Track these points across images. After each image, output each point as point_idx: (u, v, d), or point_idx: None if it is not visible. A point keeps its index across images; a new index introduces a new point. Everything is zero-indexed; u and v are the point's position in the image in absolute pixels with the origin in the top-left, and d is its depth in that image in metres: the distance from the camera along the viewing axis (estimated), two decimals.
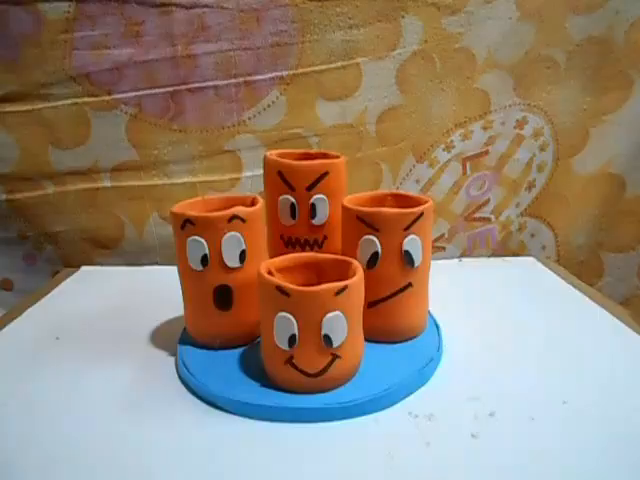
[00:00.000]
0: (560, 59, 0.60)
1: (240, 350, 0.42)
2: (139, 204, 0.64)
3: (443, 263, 0.62)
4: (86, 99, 0.59)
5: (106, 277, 0.62)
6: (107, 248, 0.66)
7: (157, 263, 0.65)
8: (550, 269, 0.61)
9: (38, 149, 0.61)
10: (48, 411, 0.37)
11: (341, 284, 0.33)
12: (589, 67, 0.60)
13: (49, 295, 0.56)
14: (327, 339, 0.34)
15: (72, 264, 0.66)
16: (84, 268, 0.65)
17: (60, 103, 0.59)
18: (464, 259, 0.65)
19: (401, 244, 0.39)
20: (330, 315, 0.33)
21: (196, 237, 0.38)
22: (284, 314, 0.34)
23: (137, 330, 0.47)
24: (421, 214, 0.39)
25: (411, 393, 0.37)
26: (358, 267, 0.36)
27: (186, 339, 0.43)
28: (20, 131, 0.60)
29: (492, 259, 0.65)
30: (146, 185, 0.63)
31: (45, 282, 0.63)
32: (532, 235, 0.68)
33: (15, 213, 0.63)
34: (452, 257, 0.67)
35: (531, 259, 0.64)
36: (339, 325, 0.34)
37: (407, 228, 0.39)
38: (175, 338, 0.44)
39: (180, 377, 0.40)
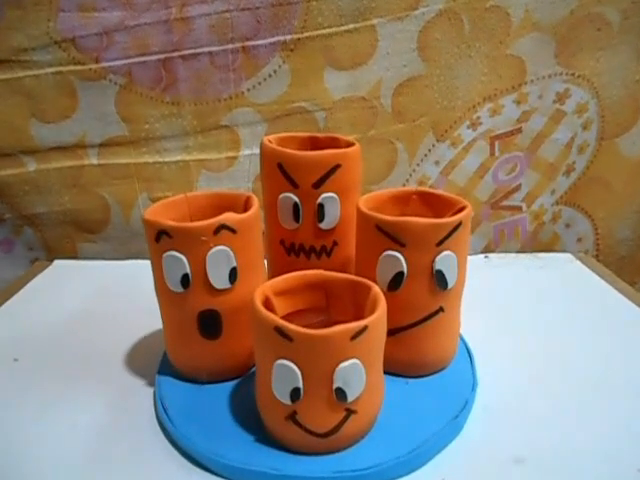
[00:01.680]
0: (613, 19, 0.51)
1: (232, 384, 0.34)
2: (127, 184, 0.58)
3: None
4: (71, 67, 0.53)
5: (82, 274, 0.55)
6: (91, 233, 0.60)
7: (145, 252, 0.59)
8: (590, 268, 0.53)
9: (18, 122, 0.55)
10: None
11: (359, 325, 0.26)
12: None
13: (13, 299, 0.49)
14: (340, 393, 0.26)
15: (53, 250, 0.60)
16: (58, 262, 0.58)
17: (43, 71, 0.53)
18: (490, 255, 0.58)
19: (432, 262, 0.31)
20: (344, 365, 0.26)
21: (174, 252, 0.31)
22: (285, 362, 0.26)
23: (112, 349, 0.40)
24: (458, 225, 0.31)
25: (442, 449, 0.30)
26: (379, 296, 0.28)
27: (167, 368, 0.36)
28: None
29: (523, 255, 0.57)
30: (136, 163, 0.57)
31: (23, 270, 0.58)
32: (567, 225, 0.60)
33: None
34: (475, 251, 0.60)
35: (567, 256, 0.56)
36: (355, 376, 0.26)
37: (440, 243, 0.31)
38: (156, 360, 0.37)
39: (159, 421, 0.33)
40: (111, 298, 0.49)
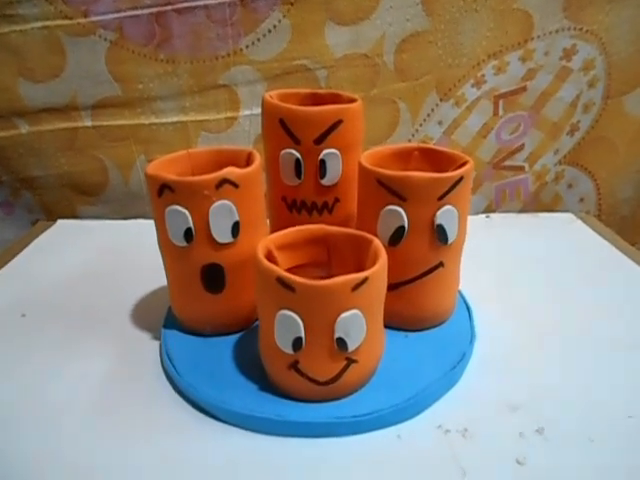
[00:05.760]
0: None
1: (236, 337, 0.35)
2: (124, 146, 0.57)
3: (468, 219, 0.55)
4: (59, 22, 0.51)
5: (85, 233, 0.55)
6: (90, 195, 0.60)
7: (145, 213, 0.59)
8: (592, 228, 0.53)
9: (7, 81, 0.53)
10: (2, 414, 0.31)
11: (360, 276, 0.26)
12: None
13: (18, 257, 0.50)
14: (341, 342, 0.27)
15: (53, 212, 0.60)
16: (61, 222, 0.58)
17: (29, 26, 0.51)
18: (492, 215, 0.58)
19: (433, 217, 0.31)
20: (345, 315, 0.26)
21: (177, 207, 0.31)
22: (287, 312, 0.27)
23: (117, 304, 0.41)
24: (460, 179, 0.31)
25: (440, 398, 0.31)
26: (380, 249, 0.29)
27: (172, 321, 0.37)
28: None
29: (524, 215, 0.57)
30: (131, 125, 0.56)
31: (24, 233, 0.57)
32: (569, 186, 0.60)
33: None
34: (477, 211, 0.60)
35: (569, 215, 0.56)
36: (356, 326, 0.27)
37: (442, 197, 0.31)
38: (161, 315, 0.38)
39: (165, 371, 0.34)
40: (114, 256, 0.49)
